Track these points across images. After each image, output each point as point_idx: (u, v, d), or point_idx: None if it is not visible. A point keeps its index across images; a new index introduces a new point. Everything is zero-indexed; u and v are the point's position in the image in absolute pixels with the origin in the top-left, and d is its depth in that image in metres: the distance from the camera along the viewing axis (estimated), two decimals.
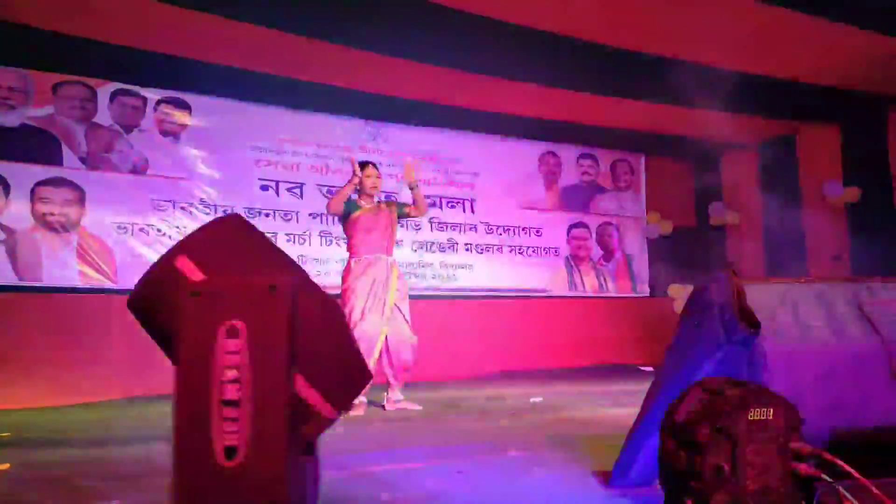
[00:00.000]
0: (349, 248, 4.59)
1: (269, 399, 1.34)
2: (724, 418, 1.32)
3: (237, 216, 1.75)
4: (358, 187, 4.57)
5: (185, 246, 1.53)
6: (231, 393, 1.33)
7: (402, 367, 4.47)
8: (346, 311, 4.35)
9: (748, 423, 1.33)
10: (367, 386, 4.12)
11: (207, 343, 1.35)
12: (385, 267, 4.51)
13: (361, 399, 4.31)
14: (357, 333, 4.24)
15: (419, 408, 4.39)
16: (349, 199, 4.55)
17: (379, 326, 4.38)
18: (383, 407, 4.41)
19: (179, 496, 1.31)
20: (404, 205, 4.79)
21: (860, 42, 5.06)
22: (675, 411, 1.41)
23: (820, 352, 1.76)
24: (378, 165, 4.77)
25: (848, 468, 1.43)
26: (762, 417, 1.35)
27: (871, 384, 1.79)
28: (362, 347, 4.08)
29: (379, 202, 4.71)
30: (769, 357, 1.68)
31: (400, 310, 4.51)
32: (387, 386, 4.49)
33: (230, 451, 1.31)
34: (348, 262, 4.55)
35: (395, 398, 4.47)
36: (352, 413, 4.09)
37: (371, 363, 4.23)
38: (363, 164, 4.63)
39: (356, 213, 4.54)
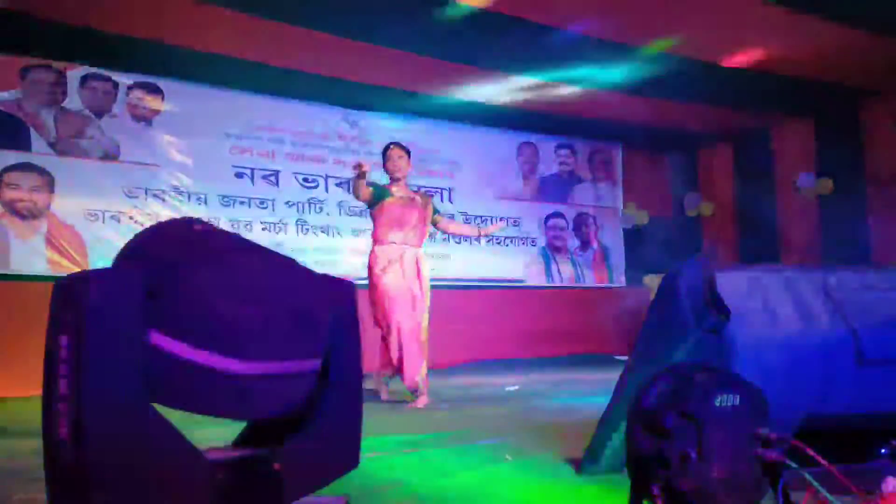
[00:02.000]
0: (373, 236, 4.30)
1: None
2: (690, 404, 1.32)
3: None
4: (387, 173, 4.29)
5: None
6: None
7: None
8: (376, 305, 4.13)
9: (715, 410, 1.33)
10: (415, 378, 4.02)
11: None
12: (414, 259, 4.21)
13: (422, 391, 4.09)
14: (393, 337, 4.08)
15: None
16: (378, 185, 4.23)
17: (414, 324, 4.12)
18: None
19: None
20: (439, 213, 4.47)
21: (834, 35, 5.10)
22: (642, 397, 1.41)
23: (788, 338, 1.76)
24: (407, 150, 4.35)
25: (814, 454, 1.44)
26: (729, 403, 1.35)
27: (838, 371, 1.80)
28: (395, 339, 4.04)
29: (416, 192, 4.42)
30: (738, 344, 1.69)
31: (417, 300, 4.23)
32: (396, 374, 4.20)
33: None
34: (372, 251, 4.25)
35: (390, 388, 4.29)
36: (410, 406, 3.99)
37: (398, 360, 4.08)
38: (386, 147, 4.36)
39: (387, 200, 4.20)
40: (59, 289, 1.20)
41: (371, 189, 4.18)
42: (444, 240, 7.02)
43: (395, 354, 4.08)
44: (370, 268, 4.20)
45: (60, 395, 1.17)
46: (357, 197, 4.23)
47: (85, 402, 1.13)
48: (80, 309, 1.14)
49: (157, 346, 1.19)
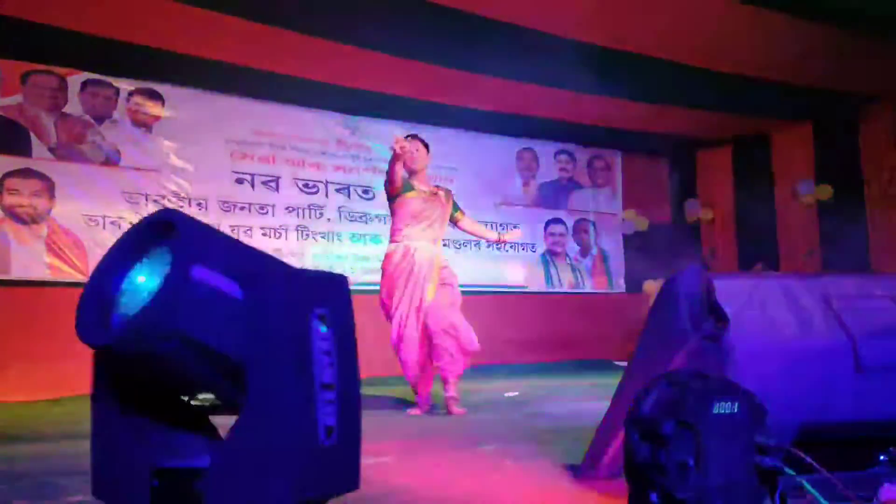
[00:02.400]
0: (391, 231, 4.10)
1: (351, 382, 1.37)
2: (688, 412, 1.32)
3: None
4: (405, 167, 4.03)
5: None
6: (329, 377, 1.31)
7: (448, 353, 3.83)
8: (385, 302, 3.96)
9: (713, 417, 1.33)
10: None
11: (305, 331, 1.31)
12: (429, 257, 3.98)
13: (426, 396, 3.97)
14: (405, 344, 3.87)
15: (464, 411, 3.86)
16: (406, 179, 4.05)
17: (415, 318, 3.87)
18: (448, 411, 3.83)
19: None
20: (460, 209, 4.27)
21: (833, 41, 5.13)
22: (640, 404, 1.41)
23: (786, 346, 1.77)
24: (425, 143, 4.17)
25: (812, 462, 1.44)
26: (727, 411, 1.35)
27: (836, 379, 1.81)
28: (403, 345, 3.86)
29: (437, 187, 4.23)
30: (736, 351, 1.69)
31: (441, 285, 3.98)
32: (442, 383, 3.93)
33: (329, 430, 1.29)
34: (387, 252, 4.06)
35: (452, 396, 3.86)
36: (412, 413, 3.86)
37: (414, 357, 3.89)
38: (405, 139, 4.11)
39: (407, 194, 4.01)
40: (318, 281, 1.35)
41: (403, 184, 4.02)
42: (445, 245, 7.01)
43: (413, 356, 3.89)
44: (383, 267, 4.05)
45: (326, 383, 1.28)
46: (390, 183, 4.00)
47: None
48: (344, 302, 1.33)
49: (201, 280, 1.21)
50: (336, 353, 1.32)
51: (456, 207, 4.22)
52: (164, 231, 1.26)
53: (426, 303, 3.89)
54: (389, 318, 3.96)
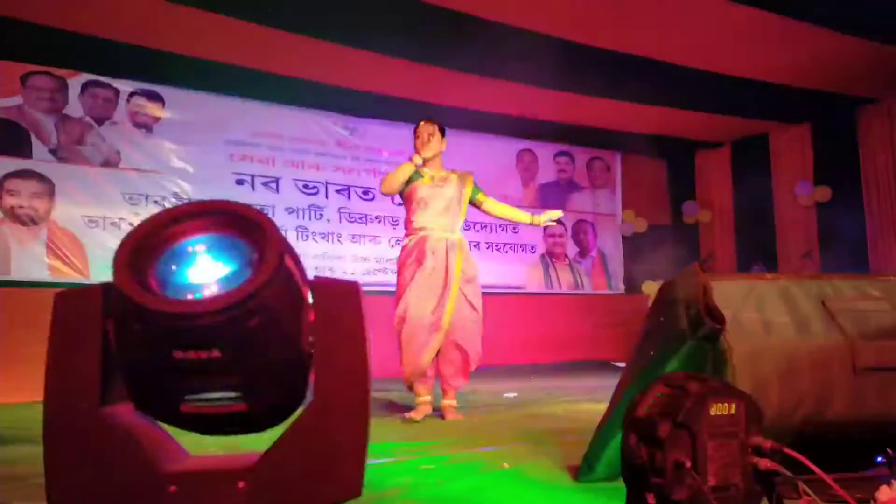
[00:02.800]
0: (405, 225, 3.87)
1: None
2: (684, 413, 1.33)
3: None
4: (417, 153, 3.82)
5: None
6: None
7: (458, 363, 3.68)
8: (398, 300, 3.69)
9: (709, 419, 1.34)
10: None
11: None
12: (444, 247, 3.69)
13: (426, 398, 3.69)
14: (407, 328, 3.60)
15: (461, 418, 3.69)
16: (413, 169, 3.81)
17: (434, 318, 3.59)
18: (442, 416, 3.68)
19: None
20: (482, 192, 3.98)
21: (831, 43, 5.14)
22: (637, 406, 1.42)
23: (783, 347, 1.78)
24: (441, 127, 3.90)
25: (808, 463, 1.45)
26: (723, 413, 1.36)
27: (833, 380, 1.81)
28: (413, 343, 3.57)
29: (452, 171, 3.93)
30: (733, 352, 1.70)
31: (465, 294, 3.71)
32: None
33: None
34: (403, 242, 3.82)
35: (450, 403, 3.71)
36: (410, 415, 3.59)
37: (426, 360, 3.59)
38: (416, 125, 3.90)
39: (415, 182, 3.77)
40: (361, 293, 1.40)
41: (393, 184, 3.81)
42: None
43: (425, 359, 3.61)
44: (397, 266, 3.82)
45: None
46: (384, 188, 3.81)
47: None
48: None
49: (289, 269, 1.27)
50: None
51: (477, 189, 3.94)
52: (238, 223, 1.27)
53: (451, 298, 3.60)
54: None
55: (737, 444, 1.37)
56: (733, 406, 1.38)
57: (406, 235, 3.81)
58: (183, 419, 1.25)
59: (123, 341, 1.21)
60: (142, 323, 1.15)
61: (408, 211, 3.82)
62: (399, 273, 3.76)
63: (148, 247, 1.22)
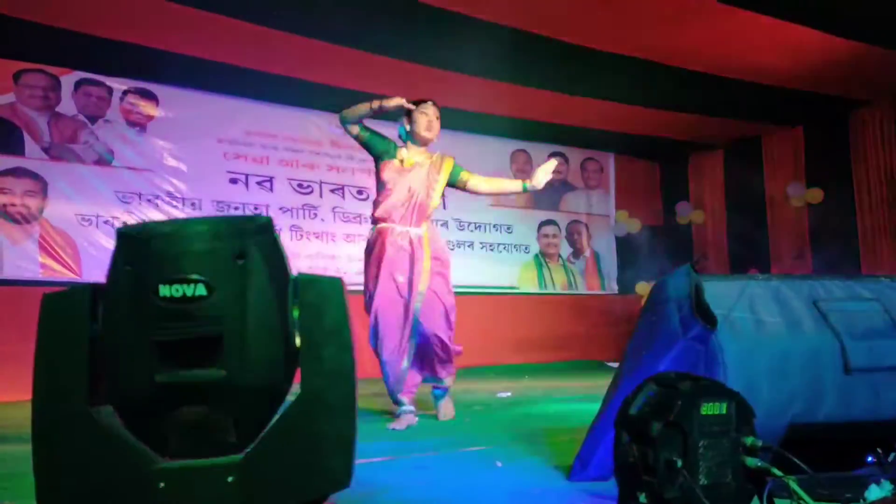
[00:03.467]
0: (372, 213, 3.49)
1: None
2: (676, 413, 1.34)
3: None
4: (407, 127, 3.45)
5: None
6: None
7: (436, 358, 3.42)
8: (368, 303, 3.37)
9: (701, 418, 1.35)
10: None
11: None
12: (409, 243, 3.34)
13: (408, 408, 3.38)
14: (378, 328, 3.31)
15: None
16: (390, 141, 3.45)
17: (403, 316, 3.32)
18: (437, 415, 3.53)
19: None
20: (463, 170, 3.53)
21: (824, 45, 5.16)
22: (629, 405, 1.43)
23: (775, 347, 1.79)
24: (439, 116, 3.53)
25: (799, 462, 1.46)
26: (715, 412, 1.37)
27: (825, 379, 1.82)
28: (385, 345, 3.29)
29: (431, 154, 3.53)
30: (724, 352, 1.71)
31: (437, 293, 3.38)
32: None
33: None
34: (368, 234, 3.48)
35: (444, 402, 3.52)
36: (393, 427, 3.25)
37: (405, 364, 3.37)
38: (418, 102, 3.50)
39: (385, 161, 3.39)
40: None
41: (369, 134, 3.41)
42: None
43: (404, 363, 3.38)
44: (364, 262, 3.49)
45: None
46: (347, 114, 3.39)
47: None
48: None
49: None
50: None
51: (459, 169, 3.52)
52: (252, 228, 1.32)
53: (416, 293, 3.29)
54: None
55: (728, 443, 1.38)
56: (725, 405, 1.39)
57: (372, 221, 3.46)
58: (158, 394, 1.24)
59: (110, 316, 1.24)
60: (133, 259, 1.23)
61: (377, 195, 3.46)
62: (365, 269, 3.43)
63: None
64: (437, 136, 3.52)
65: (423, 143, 3.49)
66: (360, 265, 6.75)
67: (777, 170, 7.33)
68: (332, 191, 6.60)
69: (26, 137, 5.32)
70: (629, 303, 7.69)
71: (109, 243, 5.48)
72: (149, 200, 5.73)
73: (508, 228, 7.52)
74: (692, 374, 1.49)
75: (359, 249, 6.61)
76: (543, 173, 3.41)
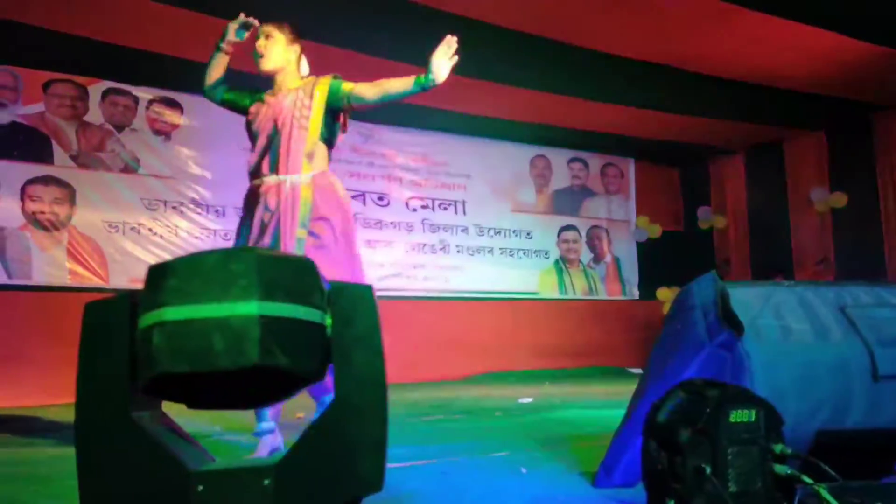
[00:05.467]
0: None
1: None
2: (704, 420, 1.34)
3: None
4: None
5: None
6: None
7: None
8: None
9: (729, 425, 1.35)
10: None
11: None
12: (285, 196, 2.61)
13: (268, 424, 2.62)
14: None
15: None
16: (261, 89, 2.81)
17: None
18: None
19: None
20: (344, 83, 2.79)
21: (845, 49, 5.12)
22: (657, 412, 1.43)
23: (802, 354, 1.78)
24: (291, 28, 2.82)
25: (829, 470, 1.45)
26: (743, 419, 1.37)
27: (853, 386, 1.81)
28: None
29: (307, 78, 2.83)
30: (752, 359, 1.70)
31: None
32: None
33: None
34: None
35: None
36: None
37: None
38: (244, 25, 2.80)
39: (253, 106, 2.79)
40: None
41: (234, 93, 2.89)
42: (458, 251, 7.05)
43: None
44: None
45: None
46: (206, 89, 2.91)
47: None
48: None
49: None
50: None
51: (338, 83, 2.78)
52: None
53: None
54: None
55: (757, 450, 1.38)
56: (753, 413, 1.39)
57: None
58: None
59: None
60: None
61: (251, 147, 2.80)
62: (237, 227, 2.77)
63: None
64: (286, 58, 2.79)
65: (267, 77, 2.79)
66: (381, 271, 6.77)
67: (799, 174, 7.27)
68: (353, 197, 6.64)
69: (55, 146, 5.43)
70: (650, 308, 7.65)
71: (135, 249, 5.57)
72: (174, 207, 5.81)
73: (528, 234, 7.52)
74: (720, 381, 1.49)
75: (381, 255, 6.73)
76: (443, 56, 2.67)
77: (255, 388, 1.30)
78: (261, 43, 2.78)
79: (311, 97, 2.75)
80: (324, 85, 2.78)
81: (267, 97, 2.78)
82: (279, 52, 2.78)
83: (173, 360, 1.18)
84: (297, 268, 1.32)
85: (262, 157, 2.71)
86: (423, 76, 2.69)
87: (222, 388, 1.26)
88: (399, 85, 2.79)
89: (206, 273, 1.22)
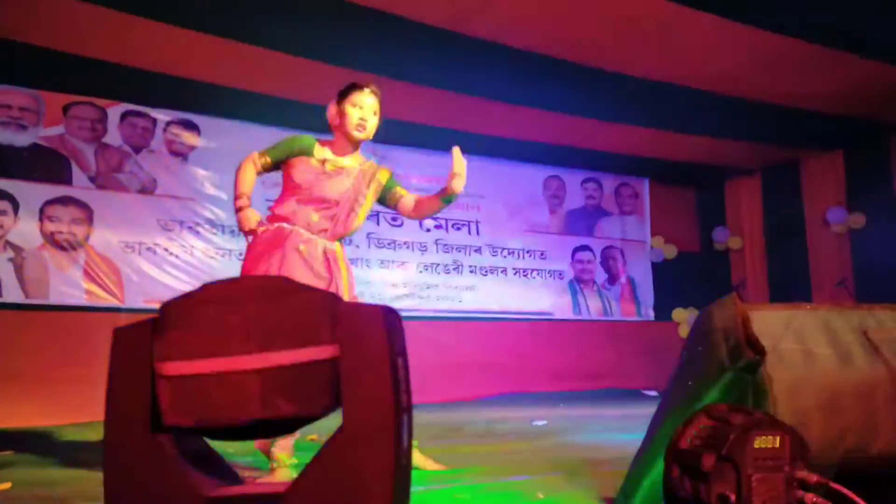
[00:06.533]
0: (271, 209, 2.85)
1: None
2: (729, 446, 1.32)
3: None
4: (335, 120, 2.81)
5: None
6: None
7: None
8: None
9: (754, 452, 1.33)
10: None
11: None
12: (321, 255, 2.75)
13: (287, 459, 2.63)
14: None
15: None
16: (304, 136, 2.90)
17: None
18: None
19: None
20: (398, 185, 2.92)
21: (863, 70, 5.11)
22: (679, 438, 1.41)
23: (825, 379, 1.75)
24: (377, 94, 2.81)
25: (855, 497, 1.42)
26: (768, 445, 1.35)
27: (878, 413, 1.78)
28: None
29: (364, 161, 2.88)
30: (774, 384, 1.68)
31: None
32: None
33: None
34: (260, 228, 2.75)
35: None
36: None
37: None
38: (352, 86, 2.83)
39: (303, 156, 2.79)
40: (391, 317, 1.32)
41: (273, 154, 2.90)
42: (472, 271, 7.04)
43: None
44: (244, 259, 2.77)
45: (405, 407, 1.32)
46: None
47: None
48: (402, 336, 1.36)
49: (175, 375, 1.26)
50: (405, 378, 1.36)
51: (393, 183, 2.90)
52: None
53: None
54: None
55: (782, 477, 1.36)
56: (778, 439, 1.37)
57: (267, 219, 2.82)
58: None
59: None
60: None
61: (283, 189, 2.83)
62: (246, 265, 2.73)
63: None
64: (366, 136, 2.77)
65: (352, 142, 2.78)
66: (394, 291, 6.72)
67: (817, 195, 7.21)
68: (367, 217, 6.65)
69: (74, 167, 5.50)
70: (666, 329, 7.58)
71: (151, 269, 5.61)
72: (189, 228, 5.85)
73: (542, 254, 7.50)
74: (744, 407, 1.47)
75: (394, 275, 6.73)
76: (457, 175, 2.71)
77: (263, 430, 1.31)
78: (366, 114, 2.77)
79: (369, 186, 2.84)
80: (382, 178, 2.89)
81: (321, 156, 2.80)
82: (374, 126, 2.80)
83: (179, 415, 1.23)
84: (300, 308, 1.28)
85: (304, 212, 2.75)
86: (449, 196, 2.80)
87: (232, 430, 1.27)
88: (434, 207, 2.92)
89: (204, 326, 1.25)
